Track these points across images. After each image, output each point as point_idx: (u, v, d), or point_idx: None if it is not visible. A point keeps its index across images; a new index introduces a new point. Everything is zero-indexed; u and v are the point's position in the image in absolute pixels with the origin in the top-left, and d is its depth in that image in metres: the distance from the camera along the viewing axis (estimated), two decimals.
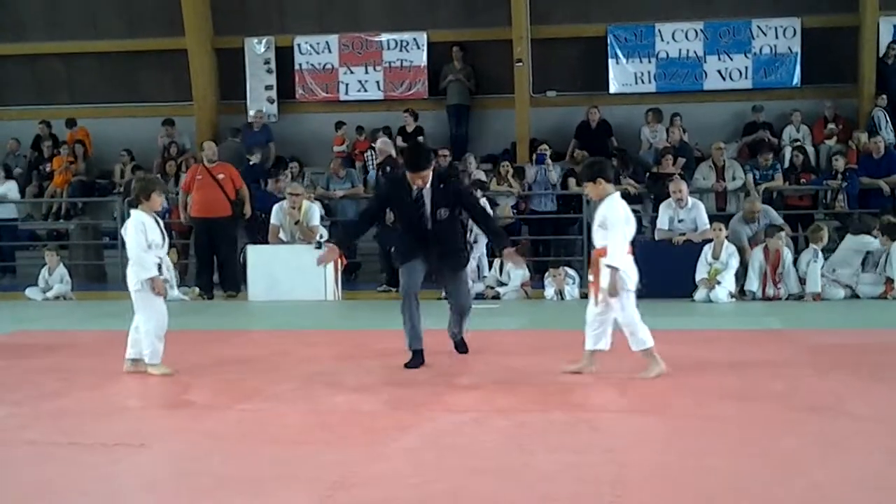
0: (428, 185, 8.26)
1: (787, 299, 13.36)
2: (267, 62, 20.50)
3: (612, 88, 19.46)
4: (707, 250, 13.47)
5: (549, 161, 17.05)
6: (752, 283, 13.48)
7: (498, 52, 19.50)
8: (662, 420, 6.17)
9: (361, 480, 4.85)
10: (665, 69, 19.27)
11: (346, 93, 20.33)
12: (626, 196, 15.87)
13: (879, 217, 14.42)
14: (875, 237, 13.72)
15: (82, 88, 21.10)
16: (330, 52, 20.28)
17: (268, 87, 20.55)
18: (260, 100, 20.45)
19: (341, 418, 6.42)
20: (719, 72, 19.15)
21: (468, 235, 11.14)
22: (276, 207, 14.97)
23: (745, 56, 19.08)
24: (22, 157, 20.72)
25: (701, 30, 19.17)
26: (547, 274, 14.43)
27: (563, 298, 13.97)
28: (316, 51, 20.31)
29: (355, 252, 17.06)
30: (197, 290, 14.98)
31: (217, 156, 15.66)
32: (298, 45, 20.29)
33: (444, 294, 8.89)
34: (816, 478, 4.79)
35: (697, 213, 14.11)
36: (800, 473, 4.88)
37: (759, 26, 19.02)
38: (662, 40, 19.26)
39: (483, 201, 15.35)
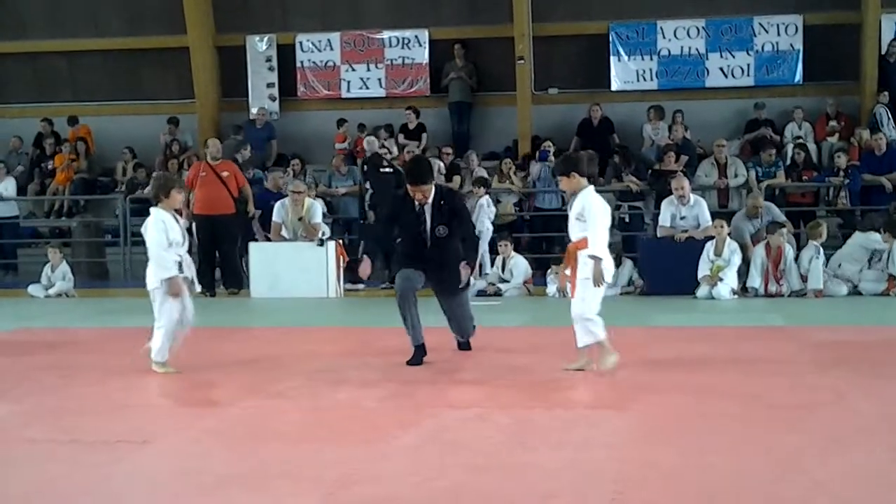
0: (429, 202, 8.24)
1: (789, 296, 13.36)
2: (269, 60, 20.51)
3: (614, 86, 19.46)
4: (709, 247, 13.46)
5: (552, 158, 17.04)
6: (754, 280, 13.48)
7: (500, 50, 19.50)
8: (664, 417, 6.17)
9: (364, 478, 4.85)
10: (667, 66, 19.27)
11: (348, 90, 20.34)
12: (627, 193, 16.16)
13: (890, 214, 14.45)
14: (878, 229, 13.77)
15: (84, 86, 21.11)
16: (332, 49, 20.28)
17: (270, 85, 20.56)
18: (262, 97, 20.45)
19: (343, 415, 6.42)
20: (721, 69, 19.15)
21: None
22: (277, 205, 14.97)
23: (747, 53, 19.08)
24: (24, 154, 20.73)
25: (703, 27, 19.17)
26: (550, 271, 14.42)
27: (565, 296, 13.94)
28: (318, 48, 20.31)
29: (358, 250, 17.07)
30: (199, 287, 14.95)
31: (220, 153, 15.68)
32: (300, 43, 20.29)
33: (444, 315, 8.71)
34: (818, 475, 4.78)
35: (700, 209, 14.11)
36: (802, 470, 4.87)
37: (760, 23, 19.02)
38: (664, 37, 19.26)
39: (486, 199, 15.43)
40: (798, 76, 18.98)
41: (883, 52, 18.54)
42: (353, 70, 20.26)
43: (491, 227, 15.19)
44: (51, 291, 15.34)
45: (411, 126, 19.24)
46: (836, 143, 17.77)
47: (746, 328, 10.59)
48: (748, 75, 19.12)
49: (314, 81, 20.37)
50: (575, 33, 19.64)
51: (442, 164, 17.62)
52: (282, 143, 19.82)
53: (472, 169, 17.40)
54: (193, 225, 15.15)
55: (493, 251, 14.91)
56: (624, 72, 19.42)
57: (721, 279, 13.26)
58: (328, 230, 14.99)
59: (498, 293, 14.16)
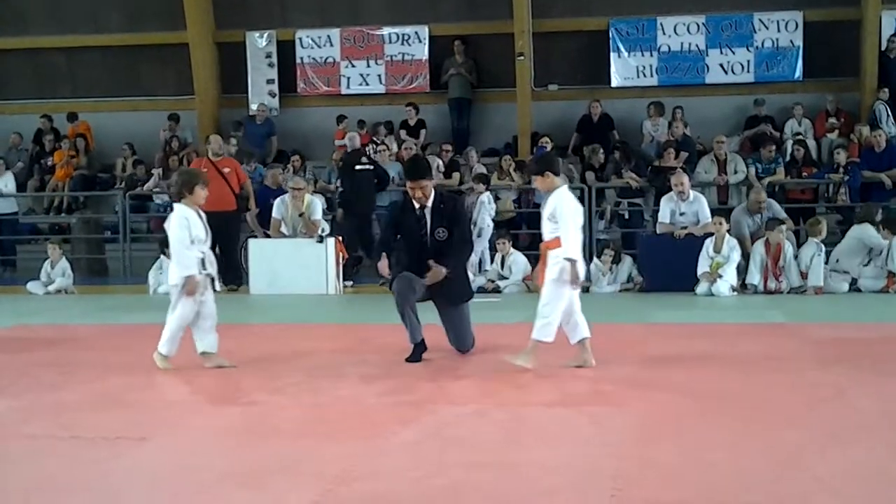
0: (429, 205, 8.22)
1: (788, 293, 13.37)
2: (268, 56, 20.51)
3: (614, 82, 19.47)
4: (709, 244, 13.47)
5: None
6: (754, 277, 13.49)
7: (499, 46, 19.49)
8: (664, 414, 6.16)
9: (363, 474, 4.85)
10: (667, 63, 19.27)
11: (348, 86, 20.34)
12: (627, 190, 16.15)
13: (887, 210, 14.48)
14: (876, 224, 13.79)
15: (84, 82, 21.12)
16: (331, 45, 20.29)
17: (269, 81, 20.56)
18: (261, 94, 20.46)
19: (343, 412, 6.41)
20: (721, 65, 19.16)
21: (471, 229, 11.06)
22: (277, 201, 14.97)
23: (747, 50, 19.08)
24: (24, 150, 20.73)
25: (703, 23, 19.17)
26: None
27: None
28: (317, 44, 20.31)
29: (357, 247, 17.06)
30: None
31: (223, 150, 15.69)
32: (300, 39, 20.29)
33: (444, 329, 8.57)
34: (819, 472, 4.78)
35: (699, 206, 14.11)
36: (802, 467, 4.87)
37: (760, 20, 19.02)
38: (664, 34, 19.26)
39: (487, 195, 15.41)
40: (798, 72, 18.98)
41: (883, 49, 18.54)
42: (353, 66, 20.26)
43: (491, 224, 15.18)
44: (50, 288, 15.35)
45: (411, 122, 19.25)
46: (836, 139, 17.78)
47: (746, 325, 10.59)
48: (748, 72, 19.13)
49: (314, 78, 20.37)
50: (575, 29, 19.65)
51: (441, 162, 17.63)
52: (282, 140, 19.83)
53: (472, 166, 17.39)
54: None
55: (493, 248, 14.91)
56: (624, 68, 19.42)
57: (720, 276, 13.27)
58: (328, 227, 14.98)
59: (497, 290, 14.16)
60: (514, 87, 19.35)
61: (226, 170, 15.09)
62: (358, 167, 15.88)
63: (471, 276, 9.21)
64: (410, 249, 8.26)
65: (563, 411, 6.32)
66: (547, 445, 5.45)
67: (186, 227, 7.88)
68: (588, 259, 15.24)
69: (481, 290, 13.70)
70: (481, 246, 14.78)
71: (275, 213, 14.84)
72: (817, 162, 17.25)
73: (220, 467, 5.08)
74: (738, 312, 11.81)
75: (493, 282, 14.32)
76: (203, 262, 7.95)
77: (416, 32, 20.02)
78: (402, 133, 19.24)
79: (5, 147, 20.43)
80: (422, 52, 20.05)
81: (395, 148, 18.71)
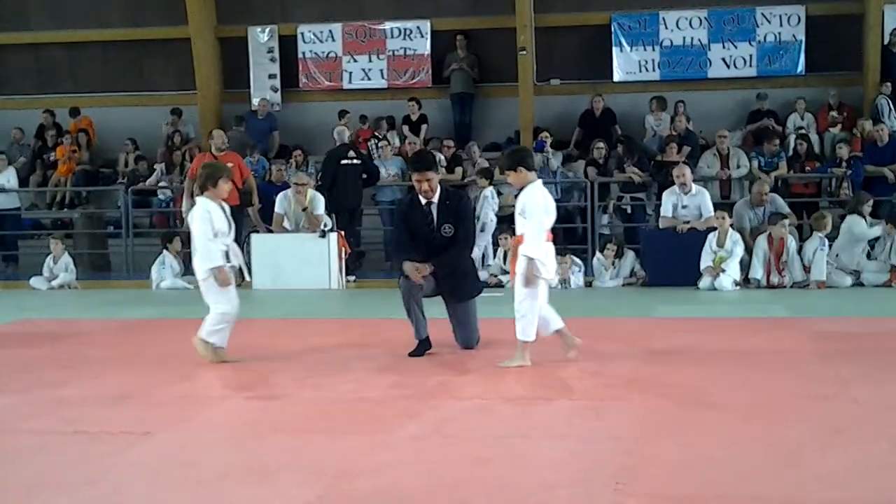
0: (436, 201, 8.21)
1: (791, 287, 13.37)
2: (270, 51, 20.50)
3: (616, 77, 19.45)
4: (712, 238, 13.46)
5: (548, 149, 16.99)
6: (757, 271, 13.49)
7: (501, 41, 19.48)
8: (667, 408, 6.17)
9: (366, 469, 4.85)
10: (669, 57, 19.26)
11: (350, 81, 20.33)
12: (630, 184, 16.14)
13: (890, 204, 14.51)
14: (865, 214, 13.83)
15: (85, 77, 21.11)
16: (333, 40, 20.27)
17: (271, 76, 20.55)
18: (263, 88, 20.45)
19: (346, 407, 6.42)
20: (724, 60, 19.14)
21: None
22: (280, 196, 14.98)
23: (750, 44, 19.06)
24: (26, 146, 20.73)
25: (705, 18, 19.15)
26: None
27: (568, 287, 13.98)
28: (319, 39, 20.29)
29: (359, 241, 17.09)
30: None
31: (226, 144, 15.69)
32: (302, 34, 20.28)
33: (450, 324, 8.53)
34: (822, 466, 4.78)
35: (702, 199, 14.12)
36: (805, 462, 4.87)
37: (763, 14, 18.99)
38: (666, 28, 19.24)
39: (490, 190, 15.37)
40: (800, 67, 18.95)
41: (885, 43, 18.51)
42: (355, 61, 20.25)
43: (495, 219, 15.17)
44: (53, 283, 15.36)
45: (413, 117, 19.24)
46: (839, 134, 17.75)
47: (749, 319, 10.60)
48: (750, 66, 19.11)
49: (316, 72, 20.36)
50: (577, 24, 19.63)
51: (443, 157, 17.62)
52: (283, 135, 19.83)
53: (474, 161, 17.39)
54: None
55: (496, 243, 14.90)
56: (626, 62, 19.41)
57: (723, 270, 13.27)
58: (330, 222, 14.99)
59: (500, 284, 14.15)
60: (516, 81, 19.34)
61: (229, 165, 15.05)
62: (344, 161, 15.84)
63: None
64: (417, 245, 8.24)
65: (567, 406, 6.32)
66: (551, 440, 5.45)
67: (209, 220, 7.88)
68: (591, 254, 15.29)
69: (484, 284, 13.69)
70: (484, 241, 14.77)
71: (277, 209, 14.85)
72: (820, 156, 17.23)
73: (223, 462, 5.08)
74: (741, 307, 11.81)
75: (495, 276, 14.32)
76: (227, 254, 7.96)
77: (417, 27, 20.01)
78: (405, 129, 19.23)
79: (7, 142, 20.43)
80: (424, 46, 20.04)
81: (396, 143, 18.71)
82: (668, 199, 14.27)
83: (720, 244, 13.43)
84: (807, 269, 13.47)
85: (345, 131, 16.84)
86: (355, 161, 15.94)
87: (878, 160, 16.33)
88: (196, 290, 13.81)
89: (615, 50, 19.39)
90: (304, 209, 14.69)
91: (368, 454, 5.13)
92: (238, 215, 15.13)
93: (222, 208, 8.06)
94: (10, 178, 18.58)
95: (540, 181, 7.83)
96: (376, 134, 18.76)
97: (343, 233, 14.92)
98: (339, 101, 19.86)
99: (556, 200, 16.74)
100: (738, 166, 16.31)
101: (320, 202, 14.90)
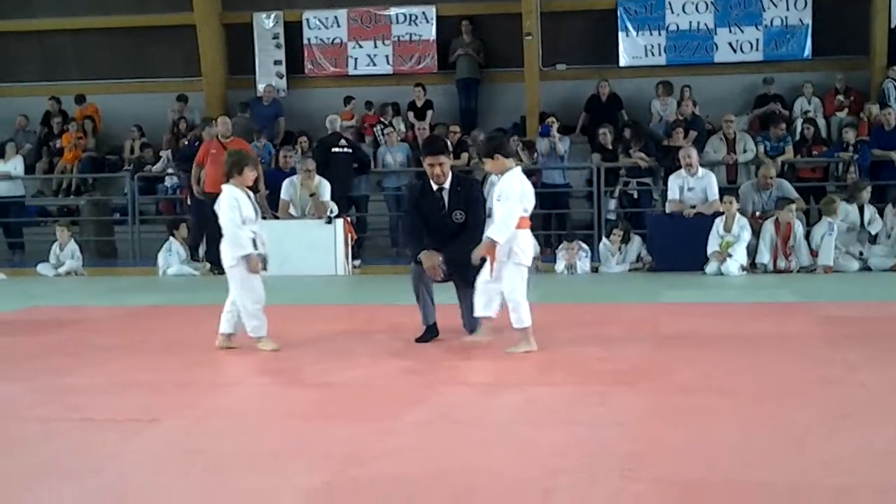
0: (447, 187, 8.18)
1: (798, 272, 13.35)
2: (276, 37, 20.48)
3: (623, 61, 19.41)
4: (719, 223, 13.45)
5: (555, 133, 16.94)
6: (763, 256, 13.48)
7: (507, 26, 19.45)
8: (674, 394, 6.16)
9: (373, 455, 4.85)
10: (675, 42, 19.21)
11: (356, 67, 20.31)
12: (636, 169, 16.11)
13: None
14: (863, 202, 13.83)
15: (91, 64, 21.11)
16: (339, 26, 20.25)
17: (277, 62, 20.54)
18: (269, 75, 20.43)
19: (353, 393, 6.42)
20: (730, 44, 19.09)
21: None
22: (286, 182, 14.98)
23: (756, 28, 19.01)
24: (31, 133, 20.74)
25: (711, 2, 19.11)
26: (560, 247, 14.43)
27: (574, 272, 13.97)
28: (325, 25, 20.27)
29: (365, 227, 17.10)
30: (208, 265, 15.05)
31: (231, 131, 15.68)
32: (307, 20, 20.26)
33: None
34: (828, 451, 4.77)
35: (708, 181, 14.14)
36: (812, 447, 4.86)
37: None
38: (673, 12, 19.20)
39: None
40: (807, 51, 18.90)
41: (892, 26, 18.44)
42: (361, 47, 20.22)
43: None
44: (60, 270, 15.38)
45: (419, 103, 19.21)
46: (845, 118, 17.70)
47: (756, 304, 10.58)
48: (757, 50, 19.06)
49: (321, 58, 20.34)
50: (583, 8, 19.61)
51: (448, 142, 17.57)
52: (289, 121, 19.82)
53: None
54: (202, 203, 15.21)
55: None
56: (632, 47, 19.36)
57: (730, 255, 13.25)
58: (336, 208, 14.99)
59: None
60: (521, 67, 19.31)
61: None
62: (335, 149, 15.89)
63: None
64: (428, 231, 8.22)
65: (574, 391, 6.32)
66: (556, 425, 5.45)
67: (237, 207, 7.86)
68: (597, 239, 15.27)
69: None
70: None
71: (283, 195, 14.86)
72: (827, 140, 17.18)
73: (229, 449, 5.08)
74: (748, 292, 11.79)
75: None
76: (254, 242, 7.95)
77: (423, 13, 19.98)
78: (410, 115, 19.21)
79: (12, 130, 20.43)
80: (429, 32, 20.01)
81: (402, 128, 18.70)
82: (675, 181, 14.27)
83: (727, 229, 13.41)
84: (814, 254, 13.45)
85: (336, 119, 16.83)
86: (346, 149, 16.00)
87: (885, 144, 16.27)
88: (201, 276, 13.89)
89: (621, 34, 19.35)
90: (312, 195, 14.70)
91: (375, 440, 5.13)
92: None
93: (248, 196, 8.05)
94: (17, 165, 18.58)
95: (519, 168, 7.81)
96: (382, 120, 18.75)
97: (349, 219, 14.93)
98: (345, 87, 19.86)
99: (563, 186, 16.94)
100: (745, 151, 16.27)
101: (327, 188, 14.91)
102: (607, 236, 14.52)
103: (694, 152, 14.33)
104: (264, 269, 8.03)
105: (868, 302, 10.77)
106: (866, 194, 14.11)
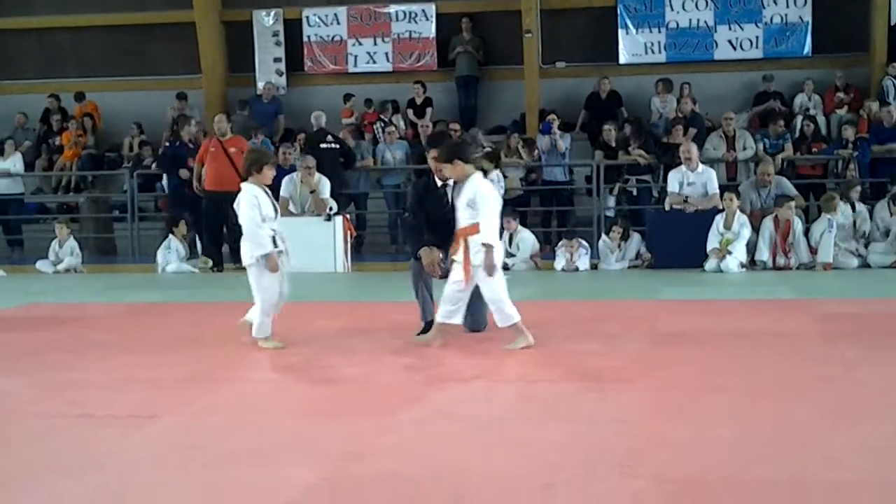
0: (451, 183, 8.17)
1: (797, 269, 13.35)
2: (275, 34, 20.48)
3: (622, 59, 19.41)
4: (719, 220, 13.45)
5: (556, 130, 16.95)
6: (763, 253, 13.48)
7: (507, 23, 19.46)
8: (672, 390, 6.16)
9: (373, 452, 4.85)
10: (675, 39, 19.21)
11: (355, 65, 20.31)
12: (635, 166, 16.10)
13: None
14: (853, 200, 13.86)
15: (90, 62, 21.11)
16: (338, 23, 20.25)
17: (276, 60, 20.55)
18: (269, 72, 20.44)
19: (351, 389, 6.42)
20: (730, 41, 19.09)
21: None
22: (286, 179, 14.98)
23: (756, 25, 19.01)
24: (30, 130, 20.74)
25: None
26: (560, 244, 14.44)
27: (576, 270, 13.98)
28: (324, 23, 20.27)
29: (365, 224, 17.10)
30: (209, 262, 15.08)
31: (229, 130, 15.70)
32: (307, 18, 20.26)
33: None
34: (827, 447, 4.77)
35: (708, 177, 14.16)
36: (811, 443, 4.86)
37: None
38: (672, 10, 19.20)
39: (496, 173, 15.32)
40: (807, 48, 18.91)
41: (892, 24, 18.44)
42: (360, 44, 20.23)
43: (501, 202, 15.13)
44: (59, 267, 15.38)
45: (418, 100, 19.21)
46: (845, 115, 17.71)
47: (755, 301, 10.58)
48: (757, 47, 19.06)
49: (321, 56, 20.34)
50: (582, 6, 19.61)
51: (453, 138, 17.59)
52: (289, 118, 19.81)
53: (480, 142, 17.33)
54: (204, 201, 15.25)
55: (501, 226, 14.89)
56: (632, 44, 19.36)
57: (730, 252, 13.25)
58: (336, 205, 14.99)
59: (506, 267, 14.09)
60: (521, 64, 19.31)
61: (232, 149, 15.10)
62: (323, 145, 16.02)
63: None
64: (431, 226, 8.22)
65: (573, 387, 6.32)
66: (555, 422, 5.45)
67: (256, 205, 7.85)
68: (597, 236, 15.27)
69: None
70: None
71: (283, 192, 14.84)
72: (826, 138, 17.18)
73: (228, 445, 5.08)
74: (747, 289, 11.80)
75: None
76: (274, 240, 7.95)
77: (423, 10, 19.98)
78: (409, 112, 19.21)
79: (11, 127, 20.43)
80: (429, 29, 20.01)
81: (402, 126, 18.69)
82: (675, 177, 14.29)
83: (727, 226, 13.41)
84: (813, 251, 13.46)
85: (321, 116, 16.96)
86: (333, 145, 16.10)
87: (885, 141, 16.28)
88: (200, 273, 13.91)
89: (621, 32, 19.35)
90: (312, 192, 14.72)
91: (374, 437, 5.13)
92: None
93: (267, 193, 8.05)
94: (16, 162, 18.59)
95: (479, 174, 7.75)
96: (382, 118, 18.75)
97: (348, 217, 14.94)
98: (345, 84, 19.86)
99: (564, 183, 16.95)
100: (745, 148, 16.27)
101: (327, 185, 14.92)
102: (607, 233, 14.52)
103: (694, 147, 14.36)
104: (284, 265, 8.05)
105: (867, 299, 10.78)
106: (856, 193, 14.15)
